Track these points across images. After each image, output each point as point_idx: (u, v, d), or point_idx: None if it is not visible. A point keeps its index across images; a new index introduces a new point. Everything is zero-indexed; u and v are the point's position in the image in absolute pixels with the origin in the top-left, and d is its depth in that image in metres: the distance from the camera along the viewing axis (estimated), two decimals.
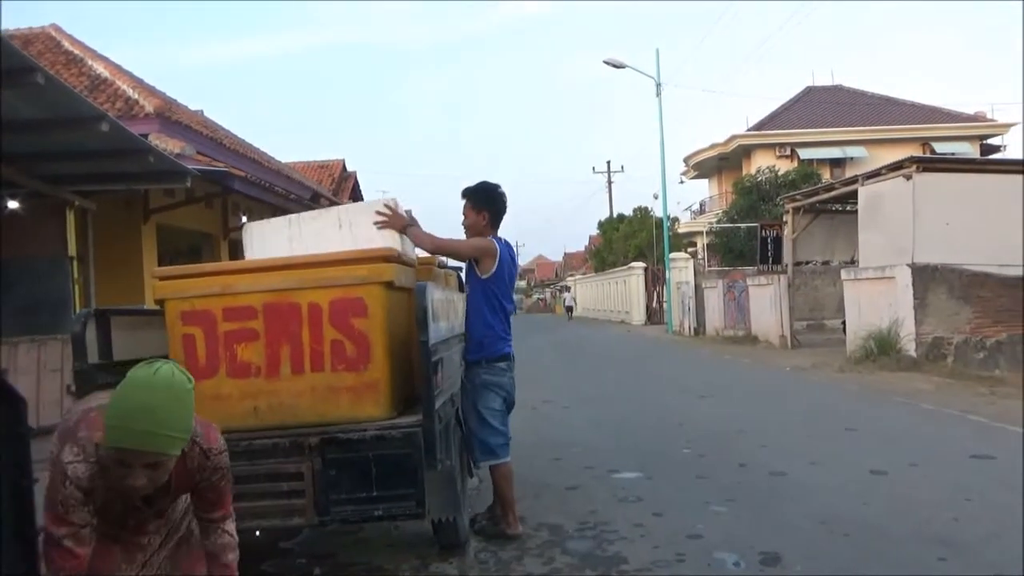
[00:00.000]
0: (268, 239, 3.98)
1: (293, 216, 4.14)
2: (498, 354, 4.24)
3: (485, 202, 4.27)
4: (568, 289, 52.67)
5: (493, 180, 4.41)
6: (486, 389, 4.22)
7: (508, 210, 4.38)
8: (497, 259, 4.19)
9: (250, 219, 15.11)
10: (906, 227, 12.14)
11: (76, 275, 9.90)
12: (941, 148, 31.44)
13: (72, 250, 9.84)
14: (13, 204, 9.60)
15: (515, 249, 4.75)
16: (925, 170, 12.41)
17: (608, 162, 48.69)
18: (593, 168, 48.40)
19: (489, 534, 4.22)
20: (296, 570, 3.97)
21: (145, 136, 9.85)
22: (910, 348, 11.78)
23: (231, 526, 2.32)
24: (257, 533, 3.44)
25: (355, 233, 3.85)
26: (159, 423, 1.90)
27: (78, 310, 9.05)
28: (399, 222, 3.92)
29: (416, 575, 3.79)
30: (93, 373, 3.17)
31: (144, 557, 2.24)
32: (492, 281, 4.20)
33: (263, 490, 3.25)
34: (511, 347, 4.36)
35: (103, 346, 3.38)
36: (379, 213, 3.89)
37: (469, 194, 4.29)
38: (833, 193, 15.53)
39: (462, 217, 4.30)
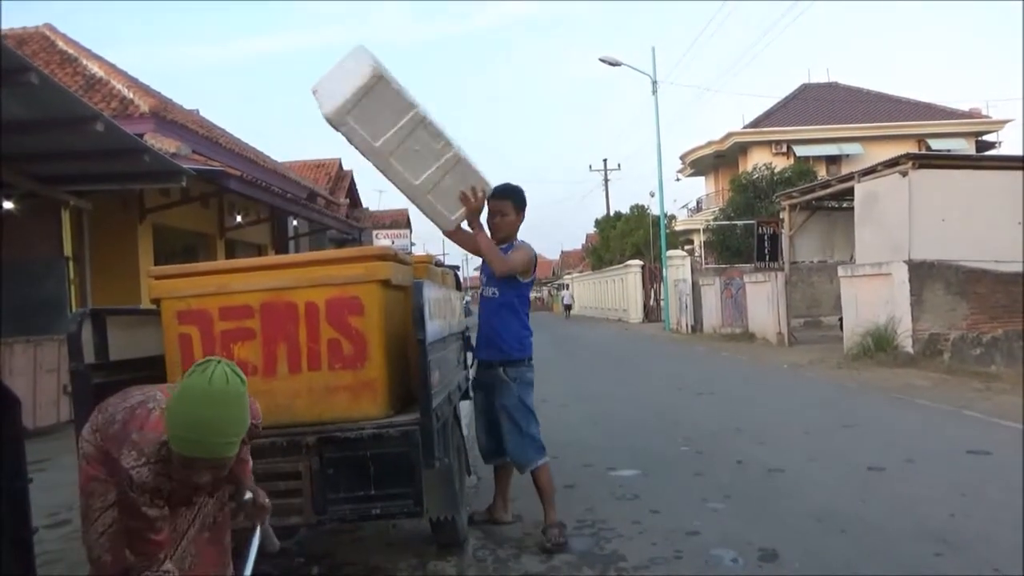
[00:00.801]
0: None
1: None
2: (531, 353, 4.30)
3: (523, 205, 4.28)
4: (566, 287, 52.70)
5: (497, 180, 4.33)
6: (530, 387, 4.25)
7: None
8: (533, 266, 4.27)
9: (244, 219, 15.15)
10: (902, 224, 12.16)
11: (72, 275, 9.89)
12: (937, 145, 31.50)
13: (68, 250, 9.83)
14: (8, 205, 9.57)
15: None
16: (921, 167, 12.44)
17: (605, 160, 48.66)
18: (590, 166, 48.39)
19: (552, 546, 3.98)
20: (294, 569, 3.97)
21: (140, 136, 9.84)
22: (907, 344, 11.81)
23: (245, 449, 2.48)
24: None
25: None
26: (220, 433, 1.99)
27: (74, 310, 9.04)
28: (474, 209, 3.98)
29: (414, 574, 3.79)
30: (89, 373, 3.16)
31: (174, 543, 2.31)
32: (528, 285, 4.30)
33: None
34: None
35: (99, 346, 3.36)
36: (464, 193, 3.92)
37: (511, 194, 4.23)
38: (829, 190, 15.56)
39: (496, 215, 4.17)
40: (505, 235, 4.21)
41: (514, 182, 4.29)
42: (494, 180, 4.13)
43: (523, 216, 4.27)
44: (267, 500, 2.56)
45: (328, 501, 3.28)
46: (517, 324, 4.22)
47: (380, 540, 4.34)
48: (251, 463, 2.61)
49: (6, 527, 1.48)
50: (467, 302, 24.31)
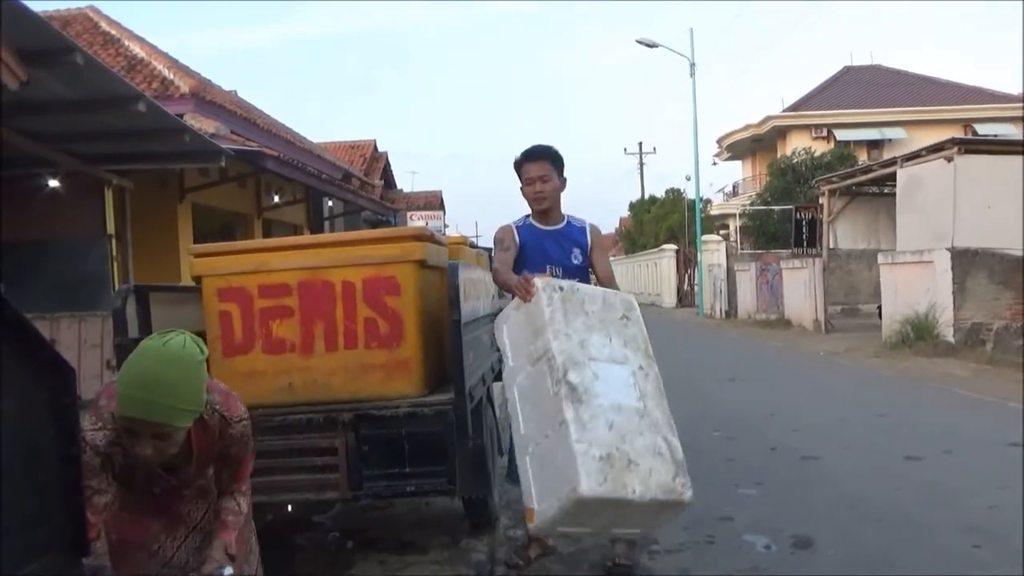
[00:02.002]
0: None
1: None
2: None
3: (562, 167, 3.63)
4: None
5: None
6: None
7: None
8: None
9: (282, 199, 15.32)
10: (946, 210, 11.87)
11: (114, 253, 10.10)
12: (983, 130, 30.60)
13: (111, 228, 10.04)
14: (54, 183, 9.79)
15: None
16: (967, 152, 12.12)
17: (640, 143, 48.18)
18: (624, 149, 47.88)
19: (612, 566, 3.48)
20: (328, 543, 4.04)
21: (180, 116, 9.97)
22: (948, 334, 11.56)
23: (245, 501, 2.28)
24: (290, 507, 3.51)
25: None
26: (165, 394, 1.88)
27: (117, 287, 9.24)
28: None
29: (446, 551, 3.84)
30: (133, 348, 3.24)
31: (186, 531, 2.28)
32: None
33: (297, 464, 3.31)
34: None
35: (143, 322, 3.44)
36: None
37: (546, 154, 3.56)
38: (871, 175, 15.25)
39: (536, 182, 3.50)
40: (550, 205, 3.56)
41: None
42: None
43: (566, 179, 3.64)
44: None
45: (363, 477, 3.34)
46: None
47: (412, 517, 4.41)
48: (235, 524, 2.22)
49: (59, 494, 1.53)
50: None
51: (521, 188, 3.58)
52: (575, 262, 3.56)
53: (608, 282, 3.56)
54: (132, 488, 2.15)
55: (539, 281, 2.92)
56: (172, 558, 2.25)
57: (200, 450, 2.15)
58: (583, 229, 3.64)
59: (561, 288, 2.92)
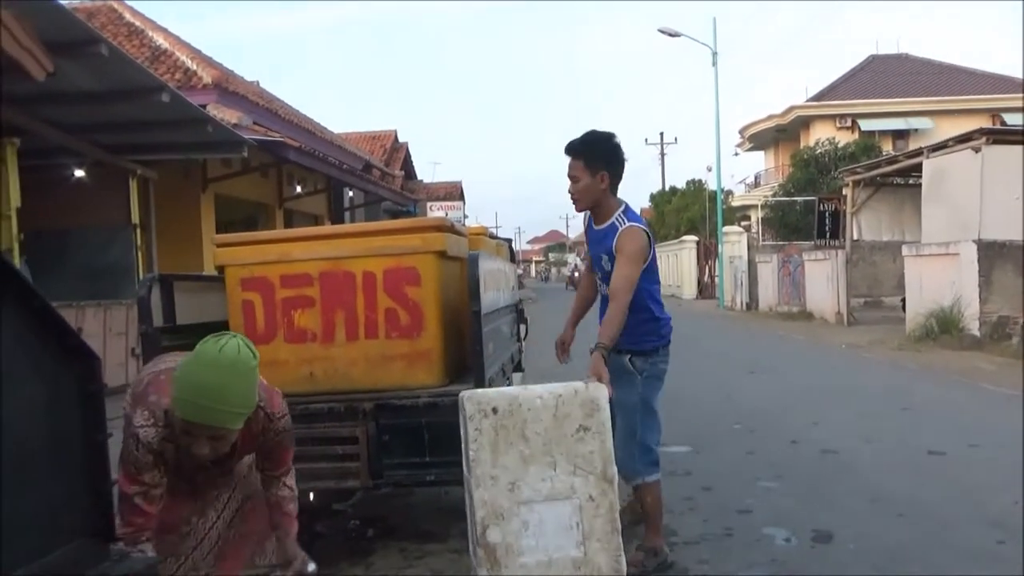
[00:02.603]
0: None
1: None
2: (666, 342, 3.49)
3: (603, 160, 3.30)
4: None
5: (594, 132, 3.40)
6: (659, 382, 3.44)
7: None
8: (650, 247, 3.34)
9: (303, 189, 15.41)
10: (973, 202, 11.68)
11: (139, 242, 10.23)
12: (1012, 119, 30.03)
13: (135, 218, 10.16)
14: (79, 173, 9.91)
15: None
16: (995, 142, 11.89)
17: (661, 133, 47.87)
18: (646, 140, 47.32)
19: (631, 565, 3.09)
20: (349, 531, 4.08)
21: (203, 107, 10.06)
22: (973, 327, 11.40)
23: (291, 480, 2.46)
24: (311, 495, 3.55)
25: None
26: (223, 400, 1.97)
27: (141, 276, 9.37)
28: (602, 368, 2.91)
29: (464, 540, 3.85)
30: (157, 336, 3.28)
31: (216, 513, 2.36)
32: (648, 269, 3.35)
33: (318, 453, 3.34)
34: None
35: (167, 310, 3.49)
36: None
37: (578, 150, 3.30)
38: (896, 166, 15.02)
39: (570, 181, 3.34)
40: (587, 205, 3.37)
41: (560, 153, 3.36)
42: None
43: (607, 174, 3.29)
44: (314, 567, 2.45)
45: (384, 466, 3.36)
46: (647, 311, 3.40)
47: (432, 506, 4.43)
48: (295, 513, 2.46)
49: (86, 480, 1.55)
50: (519, 275, 24.30)
51: None
52: (607, 268, 3.33)
53: (613, 295, 3.19)
54: (178, 476, 2.24)
55: (468, 403, 2.48)
56: (203, 539, 2.35)
57: (243, 443, 2.24)
58: (615, 232, 3.28)
59: (495, 410, 2.45)
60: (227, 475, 2.37)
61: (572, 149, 3.32)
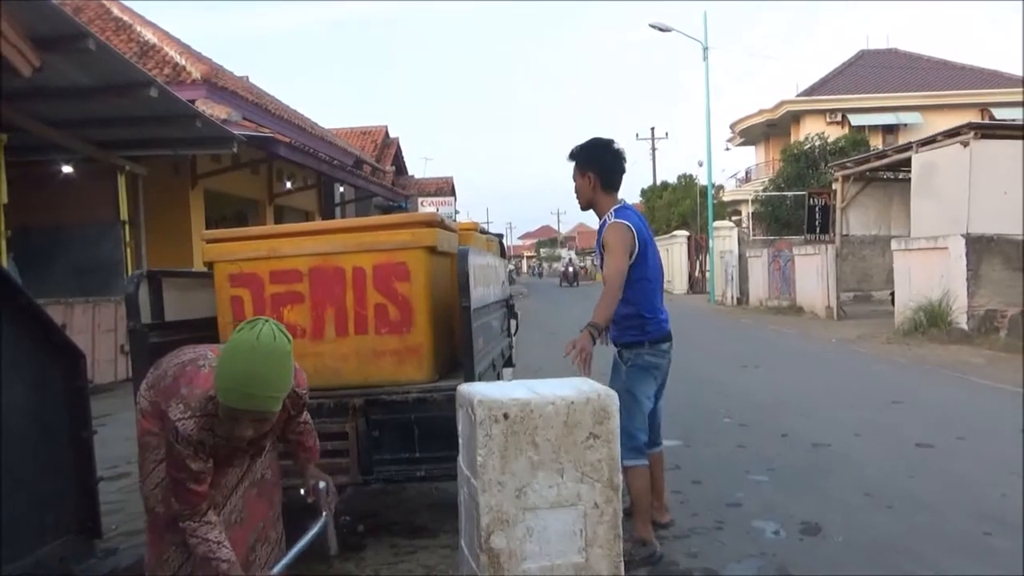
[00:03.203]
0: None
1: None
2: (657, 337, 3.67)
3: (588, 162, 3.64)
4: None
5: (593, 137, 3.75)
6: (645, 373, 3.62)
7: (626, 168, 3.75)
8: (634, 240, 3.51)
9: (293, 185, 15.35)
10: (962, 196, 11.76)
11: (128, 238, 10.17)
12: (1001, 114, 30.20)
13: (124, 214, 10.10)
14: (67, 169, 9.84)
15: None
16: (983, 137, 11.98)
17: (652, 128, 47.94)
18: (636, 135, 47.31)
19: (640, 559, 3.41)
20: (340, 527, 4.07)
21: (192, 102, 9.99)
22: (961, 321, 11.47)
23: (306, 414, 2.65)
24: (302, 491, 3.54)
25: None
26: (265, 387, 2.09)
27: (130, 272, 9.31)
28: (587, 344, 3.27)
29: (456, 536, 3.85)
30: (146, 333, 3.26)
31: (223, 497, 2.40)
32: (639, 264, 3.54)
33: None
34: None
35: (156, 307, 3.46)
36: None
37: (574, 155, 3.70)
38: (885, 161, 15.11)
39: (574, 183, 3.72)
40: (584, 204, 3.71)
41: (553, 150, 3.74)
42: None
43: (592, 174, 3.61)
44: (335, 489, 2.72)
45: (374, 462, 3.37)
46: (634, 307, 3.57)
47: (423, 501, 4.43)
48: (318, 446, 2.75)
49: (72, 476, 1.55)
50: (511, 270, 24.31)
51: None
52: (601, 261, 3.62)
53: (605, 283, 3.42)
54: (218, 460, 2.34)
55: (479, 408, 2.45)
56: (222, 509, 2.43)
57: (276, 420, 2.37)
58: (604, 227, 3.54)
59: (506, 416, 2.41)
60: (259, 453, 2.52)
61: (569, 154, 3.71)
